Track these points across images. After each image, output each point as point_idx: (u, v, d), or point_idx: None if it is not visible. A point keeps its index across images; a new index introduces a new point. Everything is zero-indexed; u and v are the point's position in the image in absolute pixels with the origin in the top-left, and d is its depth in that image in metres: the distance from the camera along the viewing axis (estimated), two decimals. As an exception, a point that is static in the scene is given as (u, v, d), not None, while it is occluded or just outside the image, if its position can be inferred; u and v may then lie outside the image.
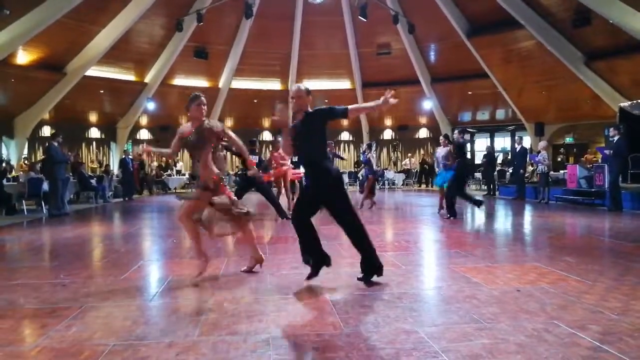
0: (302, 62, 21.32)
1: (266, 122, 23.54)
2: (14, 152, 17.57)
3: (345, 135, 24.14)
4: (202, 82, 21.04)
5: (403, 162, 23.37)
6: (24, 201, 11.06)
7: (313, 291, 3.81)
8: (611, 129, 10.87)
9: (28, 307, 3.49)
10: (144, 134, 22.24)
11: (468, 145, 9.39)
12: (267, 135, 23.51)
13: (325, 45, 21.21)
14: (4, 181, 11.46)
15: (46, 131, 18.74)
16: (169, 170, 20.33)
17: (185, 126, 4.33)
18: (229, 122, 22.72)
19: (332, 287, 3.91)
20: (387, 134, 24.28)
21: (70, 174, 12.14)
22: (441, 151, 9.52)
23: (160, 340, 2.78)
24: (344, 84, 22.50)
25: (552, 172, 15.35)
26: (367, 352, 2.55)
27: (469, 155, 9.59)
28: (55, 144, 10.35)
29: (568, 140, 19.71)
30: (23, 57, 15.74)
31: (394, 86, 22.24)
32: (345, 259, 4.98)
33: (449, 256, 5.26)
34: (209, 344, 2.71)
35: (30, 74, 16.14)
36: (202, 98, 4.25)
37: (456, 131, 9.58)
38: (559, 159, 18.74)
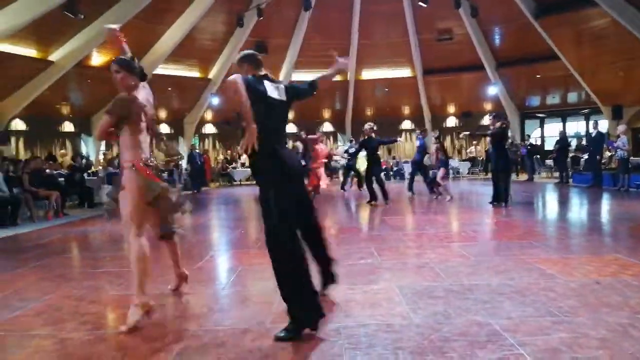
0: (362, 51, 21.13)
1: (326, 114, 23.61)
2: (92, 148, 18.73)
3: (406, 124, 23.75)
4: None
5: (468, 150, 22.70)
6: (103, 194, 11.78)
7: (381, 281, 3.80)
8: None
9: (113, 294, 3.74)
10: (209, 129, 22.99)
11: (507, 132, 8.94)
12: (328, 127, 23.61)
13: (384, 34, 20.89)
14: (85, 175, 12.24)
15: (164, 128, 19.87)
16: (234, 163, 20.93)
17: None
18: (290, 114, 22.96)
19: (399, 276, 3.89)
20: (451, 122, 23.65)
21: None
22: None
23: (235, 327, 2.89)
24: (404, 72, 22.10)
25: (632, 158, 14.37)
26: (439, 344, 2.53)
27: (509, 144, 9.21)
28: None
29: (649, 123, 18.35)
30: (97, 59, 16.66)
31: (457, 72, 21.69)
32: (411, 248, 4.94)
33: (520, 247, 5.07)
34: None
35: (104, 74, 16.90)
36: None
37: (490, 118, 9.29)
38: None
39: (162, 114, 21.51)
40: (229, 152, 22.55)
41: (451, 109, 23.44)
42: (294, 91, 3.29)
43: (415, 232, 6.28)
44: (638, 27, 15.10)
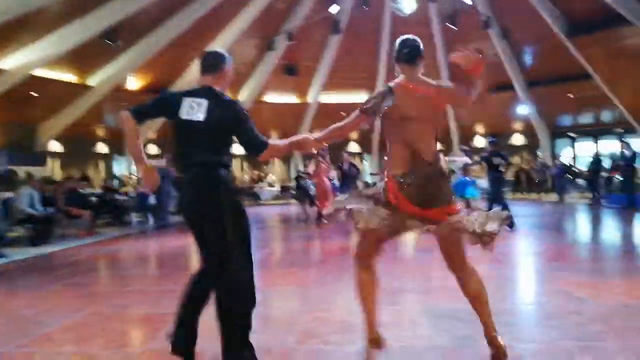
0: (391, 73, 21.26)
1: (354, 134, 23.75)
2: (124, 169, 19.31)
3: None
4: (292, 98, 21.73)
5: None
6: (133, 214, 12.08)
7: (405, 302, 3.79)
8: None
9: (141, 312, 3.84)
10: (236, 149, 23.34)
11: (498, 159, 8.78)
12: (354, 147, 23.71)
13: (413, 56, 20.99)
14: (117, 196, 12.61)
15: (152, 149, 20.35)
16: (259, 183, 21.20)
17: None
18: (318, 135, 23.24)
19: (424, 298, 3.87)
20: (479, 142, 23.41)
21: (174, 188, 13.07)
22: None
23: (259, 346, 2.92)
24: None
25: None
26: (460, 367, 2.51)
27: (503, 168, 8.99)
28: (163, 161, 11.27)
29: (687, 142, 17.76)
30: (133, 84, 17.29)
31: (487, 92, 21.52)
32: (436, 270, 4.90)
33: (548, 269, 4.98)
34: (304, 352, 2.81)
35: (139, 98, 17.59)
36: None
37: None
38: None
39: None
40: (255, 172, 22.85)
41: (480, 128, 23.24)
42: (236, 129, 2.64)
43: (441, 253, 6.22)
44: (673, 45, 14.78)
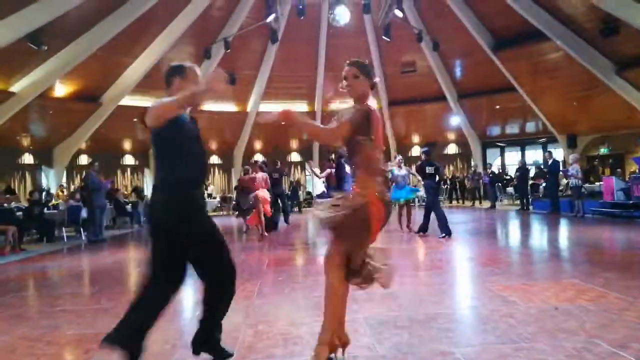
0: (328, 83, 21.55)
1: (294, 144, 23.80)
2: (53, 180, 18.25)
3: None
4: (231, 107, 21.48)
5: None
6: (63, 228, 11.44)
7: (347, 312, 3.81)
8: (647, 139, 10.59)
9: (72, 333, 3.62)
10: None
11: (432, 168, 9.16)
12: (295, 157, 23.78)
13: (350, 66, 21.40)
14: (45, 209, 11.90)
15: (83, 160, 19.42)
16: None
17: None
18: (258, 145, 23.06)
19: (365, 307, 3.91)
20: (416, 151, 24.17)
21: (107, 200, 12.52)
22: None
23: (200, 363, 2.84)
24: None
25: (587, 185, 14.97)
26: (403, 374, 2.55)
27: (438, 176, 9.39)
28: (93, 172, 10.75)
29: (603, 151, 19.22)
30: (60, 90, 16.42)
31: (420, 103, 22.31)
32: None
33: (483, 274, 5.19)
34: (247, 367, 2.76)
35: (68, 105, 16.80)
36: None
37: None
38: (594, 170, 18.27)
39: (127, 144, 21.23)
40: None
41: (415, 138, 23.99)
42: None
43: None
44: (589, 60, 15.98)
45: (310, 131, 2.82)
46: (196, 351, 2.79)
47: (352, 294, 3.85)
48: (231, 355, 2.81)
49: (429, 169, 9.04)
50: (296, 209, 20.11)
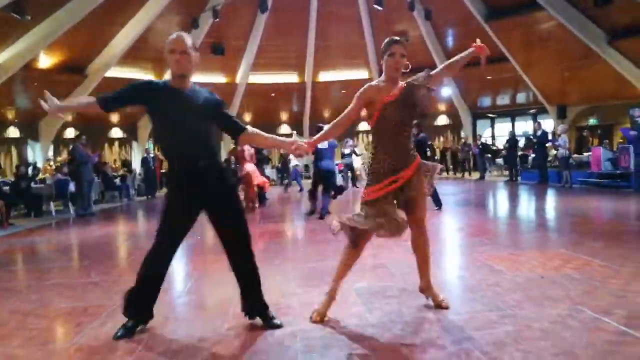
0: (319, 53, 21.26)
1: (284, 115, 23.63)
2: (39, 154, 18.02)
3: (363, 126, 23.99)
4: (219, 78, 21.17)
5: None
6: (51, 202, 11.35)
7: (337, 283, 3.85)
8: (636, 110, 10.64)
9: (63, 306, 3.62)
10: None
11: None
12: (285, 129, 23.62)
13: (341, 36, 21.09)
14: (32, 184, 11.78)
15: (70, 133, 19.13)
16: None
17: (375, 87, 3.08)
18: (247, 117, 22.86)
19: (356, 277, 3.95)
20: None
21: (95, 174, 12.40)
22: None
23: (191, 335, 2.87)
24: (361, 74, 22.35)
25: (576, 155, 15.09)
26: (392, 342, 2.59)
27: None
28: (80, 145, 10.61)
29: (592, 122, 19.29)
30: (45, 61, 16.06)
31: (411, 73, 22.12)
32: (367, 250, 5.01)
33: (472, 244, 5.26)
34: (238, 338, 2.79)
35: (53, 77, 16.45)
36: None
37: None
38: (584, 140, 18.38)
39: (115, 117, 20.96)
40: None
41: (406, 109, 23.86)
42: None
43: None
44: (581, 30, 15.88)
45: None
46: (249, 316, 3.00)
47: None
48: (279, 326, 2.91)
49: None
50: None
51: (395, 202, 2.94)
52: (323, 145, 8.93)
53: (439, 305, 3.08)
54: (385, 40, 3.10)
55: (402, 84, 3.08)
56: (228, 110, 3.14)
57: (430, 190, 3.06)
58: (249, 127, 3.11)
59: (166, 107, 2.84)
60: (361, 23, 20.42)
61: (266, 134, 3.18)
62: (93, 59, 17.28)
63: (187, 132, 2.82)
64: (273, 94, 22.16)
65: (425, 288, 3.17)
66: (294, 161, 16.86)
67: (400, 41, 3.07)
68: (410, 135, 3.01)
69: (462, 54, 3.35)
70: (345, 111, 3.07)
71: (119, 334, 2.84)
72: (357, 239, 2.98)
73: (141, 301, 2.92)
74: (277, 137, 3.29)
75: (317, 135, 3.24)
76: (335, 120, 3.14)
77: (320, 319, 2.96)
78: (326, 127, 3.28)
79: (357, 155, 15.52)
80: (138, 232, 7.93)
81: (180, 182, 2.87)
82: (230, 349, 2.65)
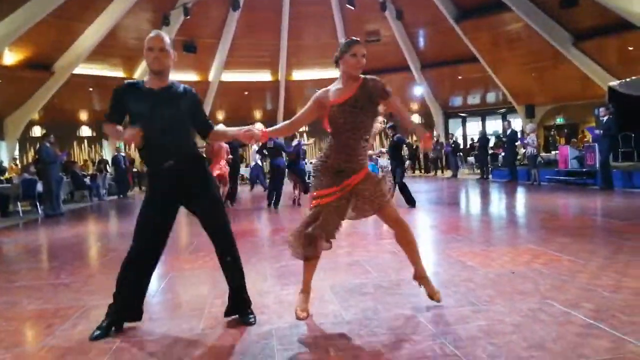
0: (292, 52, 21.25)
1: (258, 114, 23.51)
2: (4, 153, 17.47)
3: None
4: (191, 76, 20.93)
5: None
6: (18, 203, 11.04)
7: (314, 280, 3.86)
8: (601, 109, 10.98)
9: (32, 308, 3.53)
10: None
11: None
12: (258, 127, 23.49)
13: (314, 35, 21.13)
14: (-2, 183, 11.44)
15: (37, 131, 18.63)
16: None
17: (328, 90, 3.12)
18: (220, 116, 22.66)
19: (331, 275, 3.97)
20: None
21: (64, 173, 12.10)
22: None
23: (166, 335, 2.83)
24: (334, 73, 22.00)
25: (543, 154, 15.48)
26: (367, 339, 2.62)
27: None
28: (47, 144, 10.33)
29: (559, 121, 19.84)
30: (10, 58, 15.60)
31: (384, 73, 22.35)
32: (342, 248, 5.05)
33: (444, 241, 5.34)
34: (214, 337, 2.77)
35: (18, 74, 16.01)
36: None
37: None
38: (550, 140, 18.87)
39: (83, 115, 20.49)
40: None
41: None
42: None
43: (347, 231, 6.43)
44: (548, 32, 16.31)
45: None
46: (227, 314, 3.01)
47: (320, 263, 3.91)
48: (252, 323, 2.93)
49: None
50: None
51: (344, 209, 2.97)
52: (270, 144, 9.31)
53: (431, 297, 3.08)
54: (345, 41, 3.09)
55: (360, 79, 3.11)
56: (202, 108, 3.13)
57: (389, 195, 3.08)
58: (215, 126, 3.16)
59: (142, 106, 2.81)
60: (334, 22, 20.50)
61: (228, 128, 3.23)
62: (60, 55, 16.86)
63: (162, 130, 2.80)
64: (246, 93, 22.05)
65: (419, 277, 3.16)
66: (254, 160, 16.81)
67: (360, 42, 3.09)
68: (361, 140, 2.96)
69: (414, 126, 3.39)
70: (300, 112, 3.10)
71: (95, 334, 2.81)
72: (307, 254, 3.01)
73: (126, 301, 2.94)
74: (234, 128, 3.20)
75: (271, 128, 3.24)
76: (290, 120, 3.17)
77: (307, 313, 2.98)
78: (281, 124, 3.28)
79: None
80: (109, 232, 7.78)
81: (159, 178, 2.90)
82: (206, 348, 2.63)
